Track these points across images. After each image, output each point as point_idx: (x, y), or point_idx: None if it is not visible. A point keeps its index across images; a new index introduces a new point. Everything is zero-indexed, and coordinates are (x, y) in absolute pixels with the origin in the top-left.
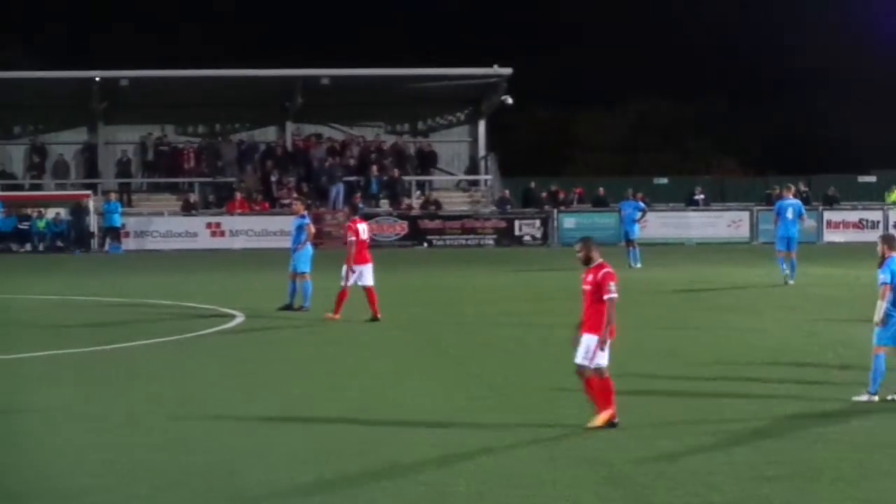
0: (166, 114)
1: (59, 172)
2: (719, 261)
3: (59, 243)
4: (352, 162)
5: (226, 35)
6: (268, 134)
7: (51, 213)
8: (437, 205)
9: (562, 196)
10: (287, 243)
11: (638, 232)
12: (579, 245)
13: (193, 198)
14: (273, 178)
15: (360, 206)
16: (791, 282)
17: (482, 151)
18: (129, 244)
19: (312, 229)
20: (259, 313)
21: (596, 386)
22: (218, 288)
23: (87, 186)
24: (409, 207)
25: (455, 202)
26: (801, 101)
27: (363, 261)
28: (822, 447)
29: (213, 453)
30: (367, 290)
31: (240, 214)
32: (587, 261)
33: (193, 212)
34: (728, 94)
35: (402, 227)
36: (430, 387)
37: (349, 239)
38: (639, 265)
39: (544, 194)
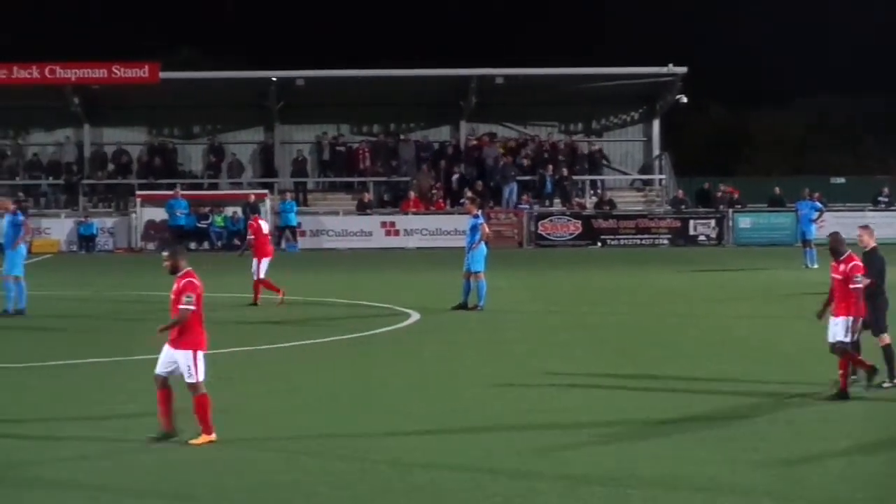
0: (341, 113)
1: (234, 172)
2: None
3: (237, 241)
4: (525, 161)
5: (401, 34)
6: (442, 133)
7: (228, 212)
8: (612, 204)
9: (735, 196)
10: (461, 242)
11: (815, 232)
12: (166, 254)
13: (368, 197)
14: (455, 177)
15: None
16: None
17: (656, 151)
18: (304, 243)
19: (487, 229)
20: (434, 312)
21: (198, 407)
22: (393, 287)
23: (263, 185)
24: (583, 207)
25: (629, 202)
26: None
27: (267, 254)
28: None
29: (390, 452)
30: (262, 282)
31: (414, 213)
32: (174, 270)
33: (368, 211)
34: None
35: (575, 227)
36: (605, 387)
37: (249, 236)
38: (815, 266)
39: (719, 194)
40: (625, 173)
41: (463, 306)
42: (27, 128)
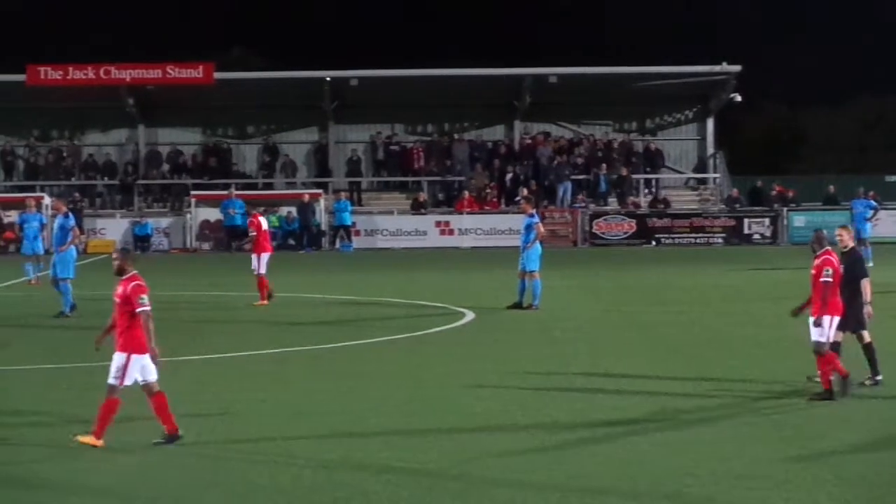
0: (395, 113)
1: (288, 172)
2: None
3: (291, 241)
4: (579, 160)
5: (454, 34)
6: (496, 133)
7: (283, 212)
8: (666, 203)
9: (790, 195)
10: (516, 242)
11: (870, 230)
12: (116, 254)
13: (423, 196)
14: (509, 176)
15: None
16: None
17: (710, 149)
18: (359, 242)
19: (541, 228)
20: (488, 312)
21: (104, 407)
22: (447, 286)
23: (317, 185)
24: (637, 206)
25: (683, 200)
26: None
27: (266, 250)
28: None
29: (443, 450)
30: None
31: (468, 213)
32: (121, 272)
33: (423, 210)
34: None
35: (630, 226)
36: (661, 388)
37: (251, 233)
38: (870, 264)
39: (773, 192)
40: (679, 172)
41: (518, 305)
42: (82, 128)
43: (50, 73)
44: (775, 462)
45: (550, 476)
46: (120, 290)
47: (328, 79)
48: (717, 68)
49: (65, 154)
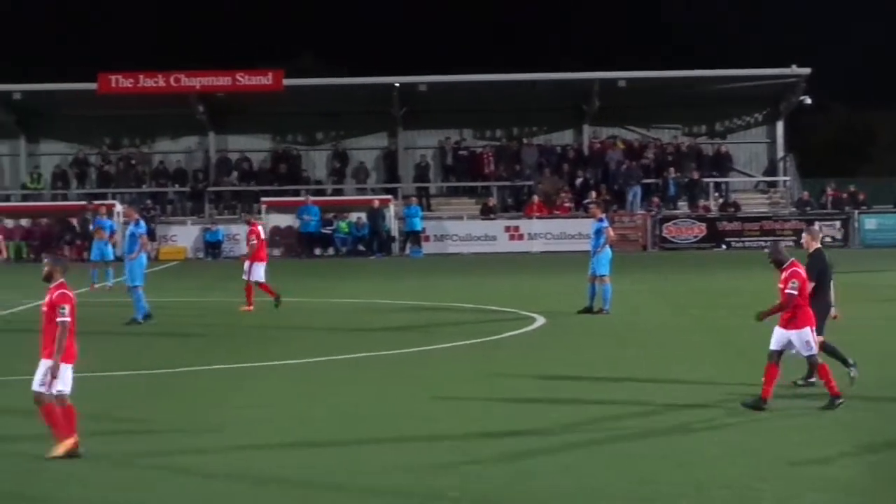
0: (464, 118)
1: (359, 177)
2: None
3: (361, 247)
4: (645, 161)
5: (521, 38)
6: (564, 137)
7: (352, 218)
8: (736, 206)
9: (861, 197)
10: (586, 246)
11: None
12: (46, 260)
13: (492, 201)
14: (578, 180)
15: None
16: None
17: (780, 152)
18: (428, 248)
19: (611, 233)
20: (559, 316)
21: (57, 413)
22: (517, 291)
23: (387, 191)
24: (707, 209)
25: (753, 203)
26: None
27: (262, 259)
28: None
29: (514, 457)
30: (260, 285)
31: (538, 218)
32: (49, 278)
33: (492, 215)
34: None
35: (700, 229)
36: (728, 390)
37: (251, 241)
38: None
39: (845, 195)
40: (749, 175)
41: (588, 310)
42: (153, 136)
43: (121, 82)
44: (845, 465)
45: (619, 480)
46: (48, 298)
47: (397, 85)
48: (786, 71)
49: (133, 162)
